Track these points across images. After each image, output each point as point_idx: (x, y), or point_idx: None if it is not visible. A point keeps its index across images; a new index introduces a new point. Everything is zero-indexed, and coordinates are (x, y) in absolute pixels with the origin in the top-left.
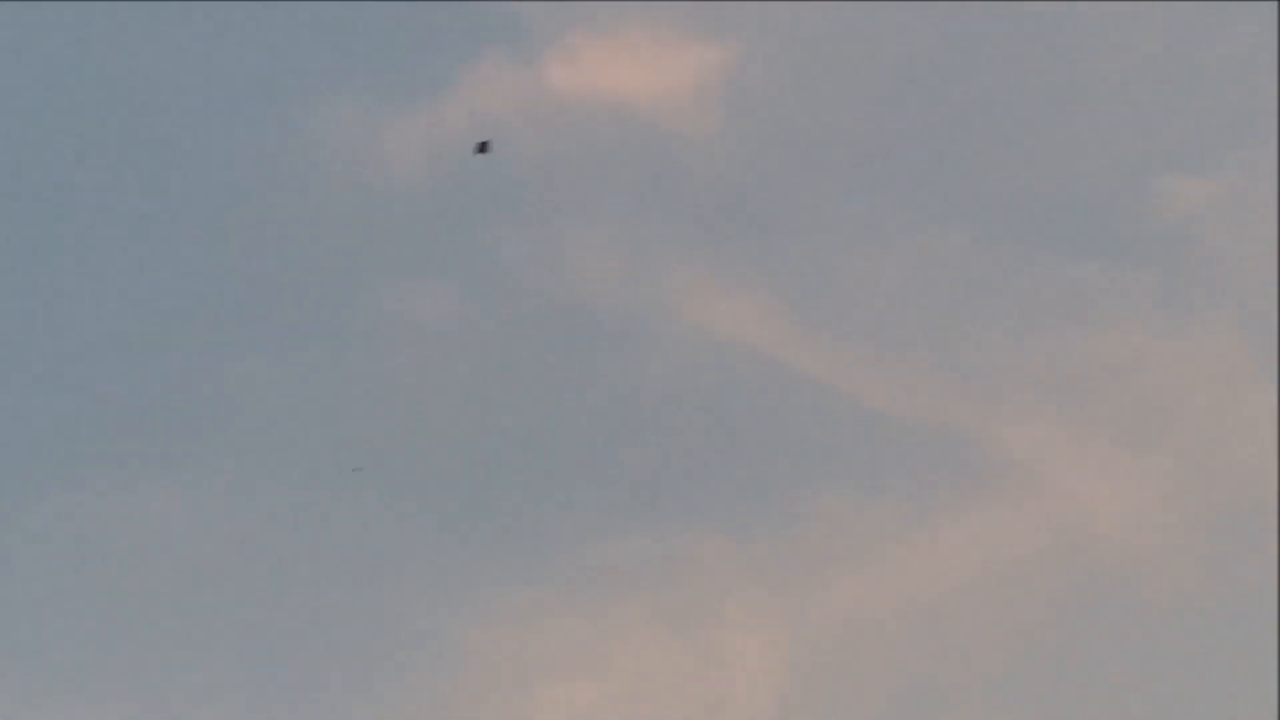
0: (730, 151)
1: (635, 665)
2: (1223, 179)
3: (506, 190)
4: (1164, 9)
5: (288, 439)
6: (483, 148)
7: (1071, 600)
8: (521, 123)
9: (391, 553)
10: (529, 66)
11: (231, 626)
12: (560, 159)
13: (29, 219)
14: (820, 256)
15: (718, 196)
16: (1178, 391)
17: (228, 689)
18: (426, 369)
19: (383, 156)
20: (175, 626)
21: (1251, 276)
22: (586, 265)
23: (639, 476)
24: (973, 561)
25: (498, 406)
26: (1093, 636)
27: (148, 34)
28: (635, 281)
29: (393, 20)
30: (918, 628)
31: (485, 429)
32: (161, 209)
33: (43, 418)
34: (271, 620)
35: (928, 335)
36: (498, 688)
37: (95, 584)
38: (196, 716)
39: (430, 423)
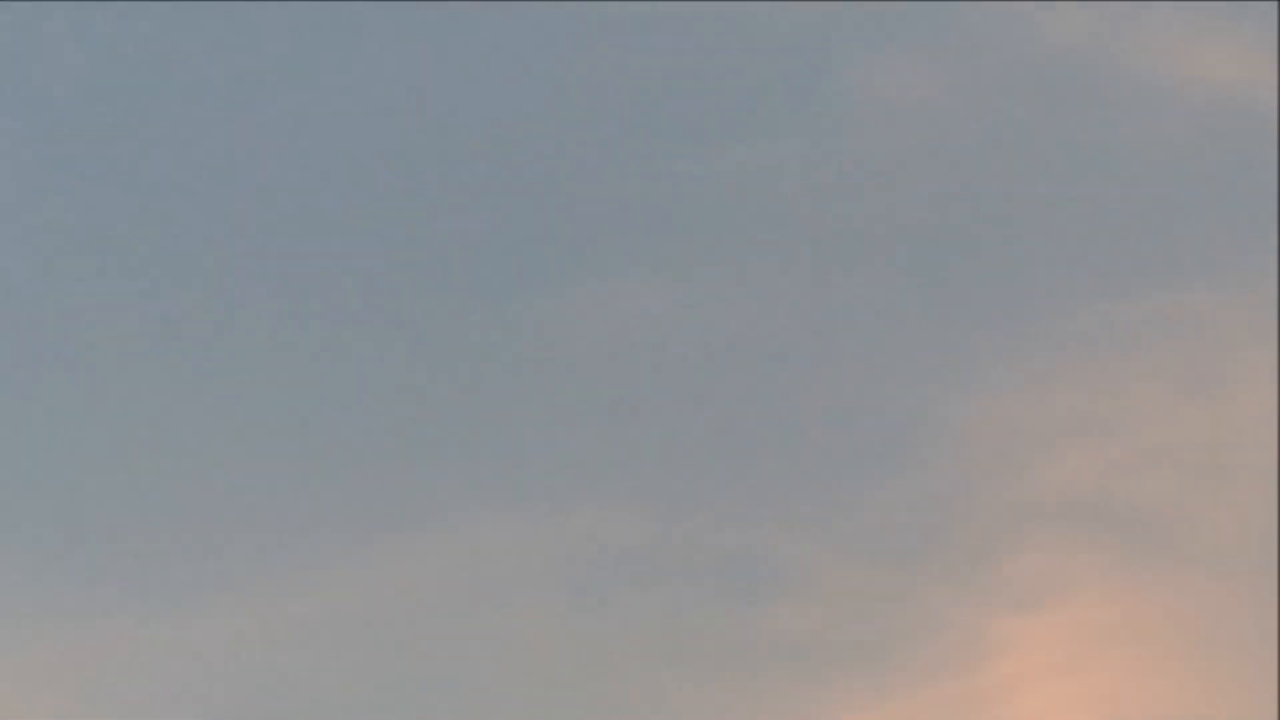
0: None
1: (1142, 426)
2: None
3: None
4: None
5: (780, 225)
6: None
7: None
8: None
9: (889, 333)
10: None
11: (730, 415)
12: None
13: None
14: None
15: None
16: None
17: (723, 478)
18: (906, 141)
19: None
20: (677, 422)
21: None
22: (1059, 22)
23: (1136, 235)
24: None
25: (985, 175)
26: None
27: None
28: (1111, 34)
29: None
30: None
31: (972, 199)
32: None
33: (540, 217)
34: (771, 404)
35: None
36: (1003, 458)
37: (599, 383)
38: (702, 516)
39: (920, 196)
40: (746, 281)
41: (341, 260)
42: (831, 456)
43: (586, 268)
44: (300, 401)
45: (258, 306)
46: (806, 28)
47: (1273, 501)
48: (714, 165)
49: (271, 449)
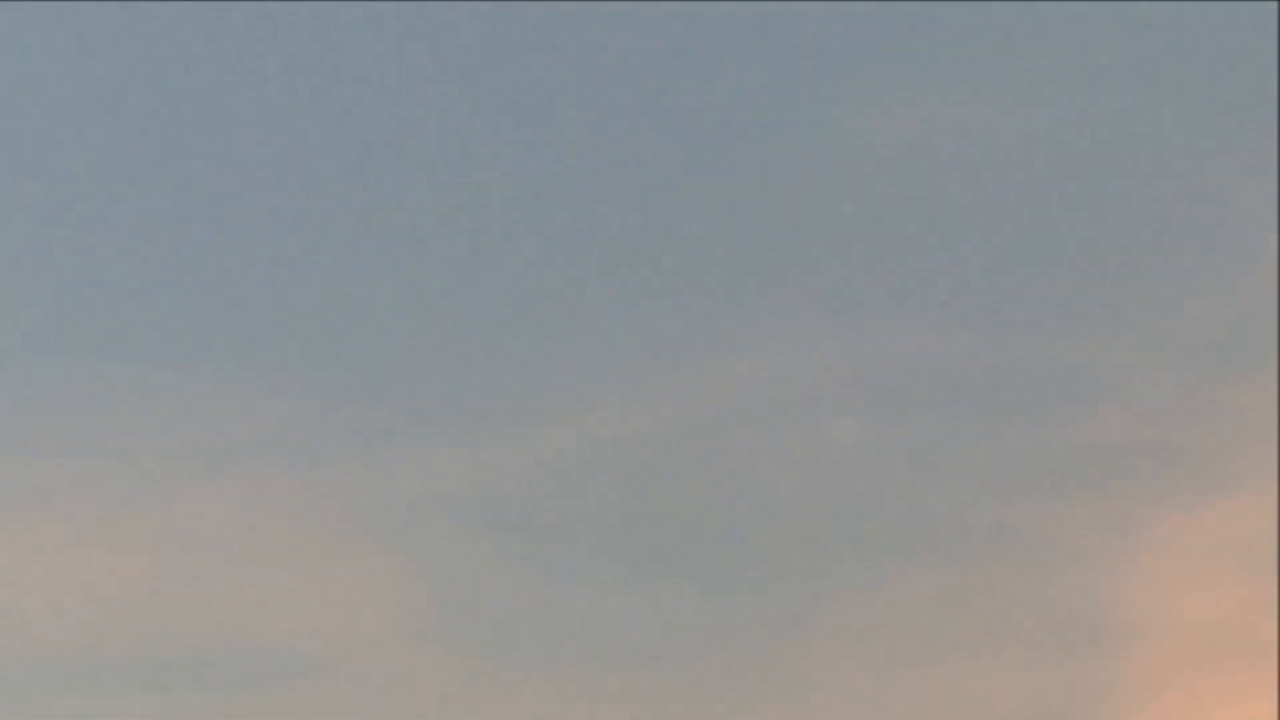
0: None
1: None
2: None
3: None
4: None
5: (1098, 39)
6: None
7: None
8: None
9: (1213, 145)
10: None
11: (1049, 225)
12: None
13: None
14: None
15: None
16: None
17: (1042, 289)
18: None
19: None
20: (993, 234)
21: None
22: None
23: None
24: None
25: None
26: None
27: None
28: None
29: None
30: None
31: None
32: None
33: (867, 23)
34: (1090, 212)
35: None
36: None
37: (916, 197)
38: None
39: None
40: (1065, 91)
41: (656, 80)
42: (1152, 265)
43: (902, 78)
44: (617, 232)
45: (581, 127)
46: None
47: None
48: None
49: (600, 282)
